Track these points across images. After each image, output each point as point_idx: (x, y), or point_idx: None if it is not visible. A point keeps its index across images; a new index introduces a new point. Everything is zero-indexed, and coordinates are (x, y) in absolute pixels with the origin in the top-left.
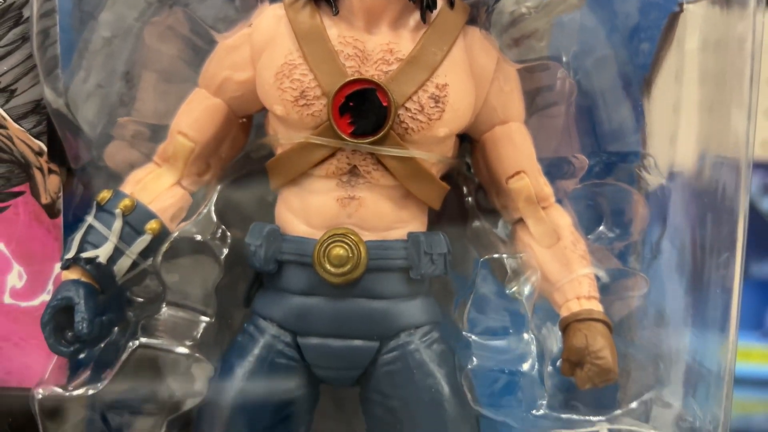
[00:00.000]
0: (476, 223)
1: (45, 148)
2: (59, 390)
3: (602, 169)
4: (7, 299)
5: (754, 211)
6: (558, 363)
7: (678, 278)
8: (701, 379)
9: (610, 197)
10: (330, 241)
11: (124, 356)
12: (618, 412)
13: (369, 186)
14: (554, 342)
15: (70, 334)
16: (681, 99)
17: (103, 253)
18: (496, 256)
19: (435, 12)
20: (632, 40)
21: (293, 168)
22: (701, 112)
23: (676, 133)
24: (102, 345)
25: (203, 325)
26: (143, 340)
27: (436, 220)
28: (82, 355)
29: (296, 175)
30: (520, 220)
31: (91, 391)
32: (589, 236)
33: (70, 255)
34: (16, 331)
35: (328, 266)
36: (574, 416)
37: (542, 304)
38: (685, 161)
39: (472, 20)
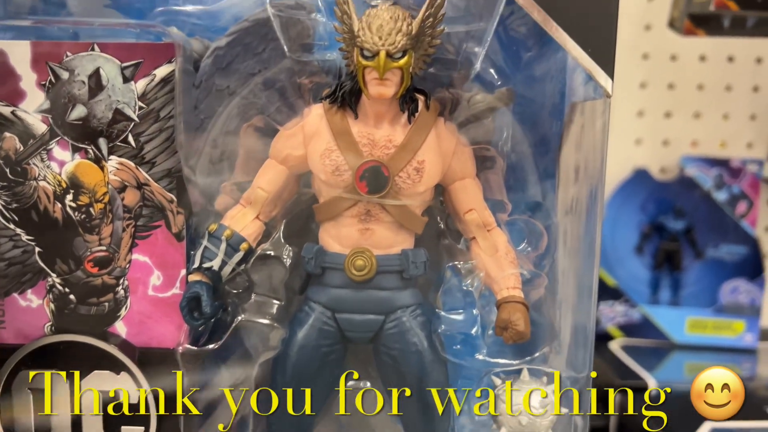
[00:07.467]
0: (446, 241)
1: (175, 199)
2: (191, 347)
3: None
4: (150, 292)
5: (710, 201)
6: (493, 327)
7: (565, 277)
8: (580, 334)
9: (527, 226)
10: (354, 255)
11: (232, 327)
12: (530, 357)
13: (377, 222)
14: (492, 316)
15: (196, 313)
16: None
17: (215, 264)
18: (458, 262)
19: (417, 113)
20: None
21: (331, 211)
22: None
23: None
24: (214, 320)
25: (276, 306)
26: (243, 316)
27: (419, 239)
28: (203, 327)
29: (333, 215)
30: (474, 238)
31: (211, 346)
32: (517, 248)
33: (195, 266)
34: (155, 312)
35: (353, 270)
36: (504, 360)
37: (486, 293)
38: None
39: (441, 112)
